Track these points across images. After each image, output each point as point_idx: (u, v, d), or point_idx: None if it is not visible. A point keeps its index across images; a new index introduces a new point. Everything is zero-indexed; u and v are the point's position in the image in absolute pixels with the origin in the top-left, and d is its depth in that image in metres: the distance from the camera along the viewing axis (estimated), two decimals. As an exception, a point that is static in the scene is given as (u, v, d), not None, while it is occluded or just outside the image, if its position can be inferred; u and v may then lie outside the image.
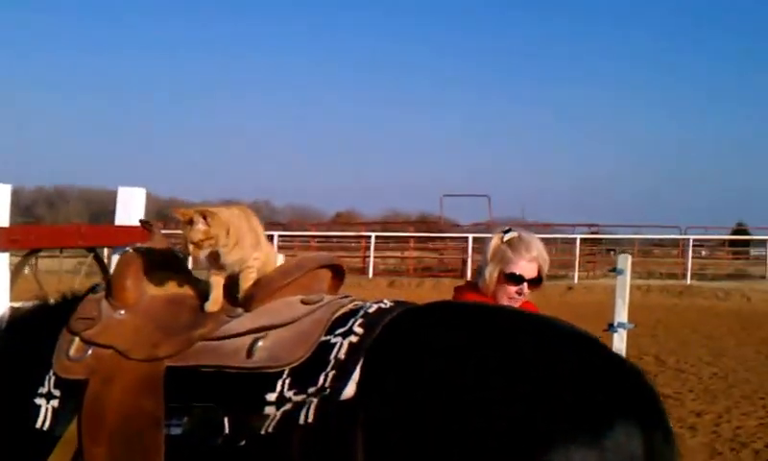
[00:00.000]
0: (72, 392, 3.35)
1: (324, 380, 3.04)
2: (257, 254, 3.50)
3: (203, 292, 3.57)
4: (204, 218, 3.38)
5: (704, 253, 47.29)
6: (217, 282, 3.49)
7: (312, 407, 3.02)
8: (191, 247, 3.41)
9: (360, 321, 3.20)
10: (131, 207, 5.94)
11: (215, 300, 3.46)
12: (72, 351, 3.44)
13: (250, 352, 3.20)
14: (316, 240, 43.99)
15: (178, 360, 3.30)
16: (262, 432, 3.05)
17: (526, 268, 5.14)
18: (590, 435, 2.75)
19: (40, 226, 5.77)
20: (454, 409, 2.85)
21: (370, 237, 37.89)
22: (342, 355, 3.09)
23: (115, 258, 5.79)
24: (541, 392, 2.83)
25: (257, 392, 3.11)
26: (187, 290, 3.63)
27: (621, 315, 10.70)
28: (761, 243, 48.98)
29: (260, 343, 3.21)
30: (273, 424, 3.05)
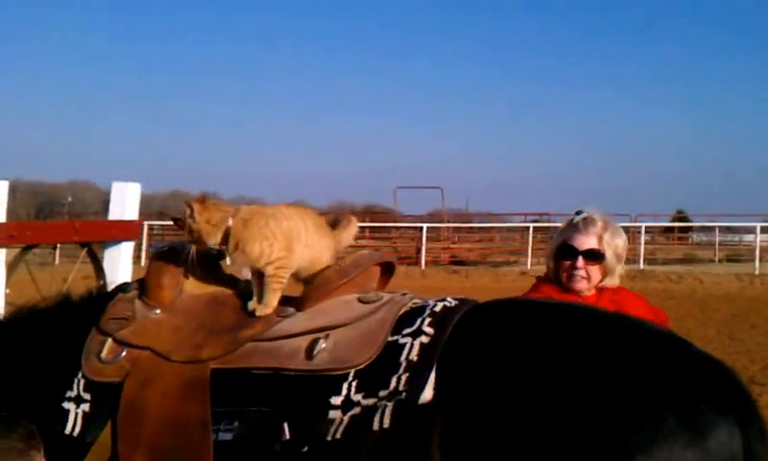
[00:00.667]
0: (104, 396, 3.13)
1: (398, 383, 2.84)
2: (281, 260, 3.26)
3: (243, 291, 3.37)
4: (192, 210, 3.23)
5: (646, 239, 48.02)
6: (274, 288, 3.26)
7: (387, 412, 2.81)
8: (186, 233, 3.28)
9: (429, 320, 3.00)
10: (125, 202, 5.74)
11: (269, 303, 3.24)
12: (104, 353, 3.22)
13: (310, 354, 2.99)
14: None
15: (224, 362, 3.09)
16: (328, 438, 2.85)
17: (581, 240, 4.71)
18: (693, 435, 2.59)
19: (36, 222, 5.61)
20: (542, 412, 2.67)
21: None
22: (414, 357, 2.89)
23: (109, 253, 5.63)
24: (635, 391, 2.65)
25: (320, 395, 2.90)
26: (228, 289, 3.41)
27: (594, 300, 10.63)
28: (702, 229, 51.22)
29: (322, 344, 3.00)
30: (341, 428, 2.84)
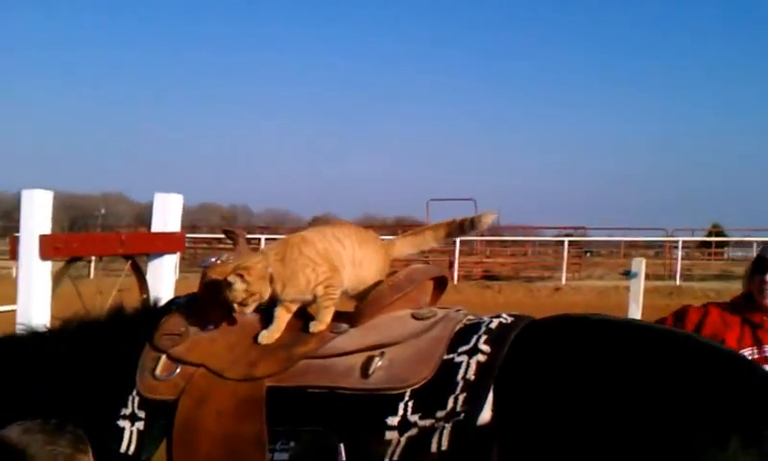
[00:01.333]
0: (159, 414, 3.11)
1: (455, 404, 2.78)
2: (329, 279, 3.20)
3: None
4: (241, 276, 3.11)
5: (682, 254, 47.49)
6: (326, 305, 3.21)
7: (446, 433, 2.75)
8: (236, 307, 3.16)
9: (485, 338, 2.94)
10: (167, 214, 5.70)
11: (323, 319, 3.19)
12: (158, 370, 3.19)
13: (365, 372, 2.94)
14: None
15: (279, 380, 3.03)
16: (385, 460, 2.80)
17: None
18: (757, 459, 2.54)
19: (81, 234, 5.60)
20: (604, 433, 2.62)
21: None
22: (471, 376, 2.83)
23: (153, 265, 5.60)
24: (700, 414, 2.60)
25: (377, 415, 2.85)
26: None
27: (635, 317, 10.58)
28: (738, 244, 49.92)
29: (377, 362, 2.95)
30: (398, 450, 2.79)
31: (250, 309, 3.17)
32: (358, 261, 3.27)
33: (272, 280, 3.17)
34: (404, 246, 3.49)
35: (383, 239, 3.48)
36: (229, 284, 3.11)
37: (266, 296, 3.16)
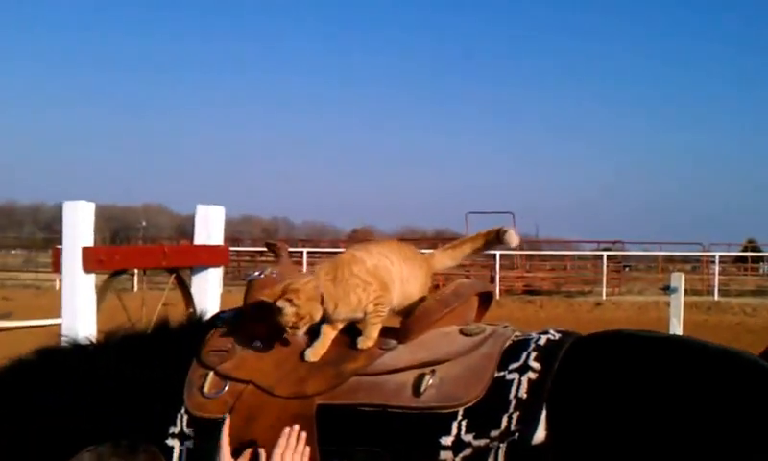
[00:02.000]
0: (208, 432, 3.05)
1: (509, 422, 2.74)
2: (379, 298, 3.14)
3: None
4: (290, 301, 3.05)
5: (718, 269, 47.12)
6: (374, 322, 3.16)
7: (501, 453, 2.71)
8: (289, 329, 3.10)
9: (534, 355, 2.89)
10: (210, 226, 5.69)
11: (371, 335, 3.14)
12: (206, 387, 3.16)
13: (417, 390, 2.89)
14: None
15: (329, 398, 3.00)
16: None
17: None
18: None
19: (125, 247, 5.60)
20: (658, 450, 2.58)
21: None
22: (523, 394, 2.79)
23: (197, 278, 5.59)
24: (749, 431, 2.57)
25: (430, 435, 2.81)
26: None
27: (676, 333, 10.54)
28: None
29: (428, 380, 2.90)
30: None
31: (301, 332, 3.12)
32: (405, 277, 3.23)
33: (323, 301, 3.11)
34: (444, 259, 3.46)
35: (423, 253, 3.44)
36: (279, 309, 3.06)
37: (317, 317, 3.11)
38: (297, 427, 2.96)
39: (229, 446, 2.97)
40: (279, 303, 3.06)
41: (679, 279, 11.24)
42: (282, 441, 2.93)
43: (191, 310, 5.14)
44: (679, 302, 11.01)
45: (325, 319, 3.15)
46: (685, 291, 11.82)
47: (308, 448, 2.94)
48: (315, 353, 3.13)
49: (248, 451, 2.99)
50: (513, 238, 3.38)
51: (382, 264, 3.21)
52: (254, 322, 3.29)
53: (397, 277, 3.21)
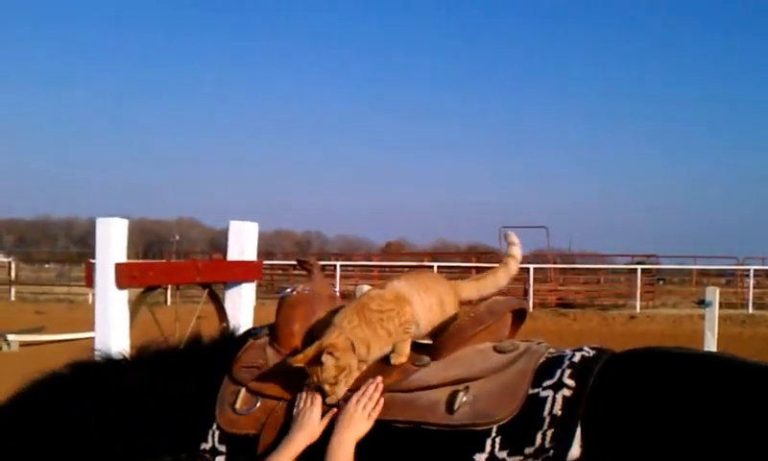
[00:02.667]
0: (240, 448, 3.06)
1: (543, 440, 2.72)
2: (402, 315, 3.10)
3: None
4: (331, 354, 3.00)
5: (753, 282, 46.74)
6: (403, 338, 3.13)
7: None
8: (328, 388, 3.02)
9: (569, 372, 2.87)
10: (243, 242, 5.68)
11: (402, 351, 3.12)
12: (238, 404, 3.16)
13: (451, 407, 2.88)
14: (378, 269, 43.35)
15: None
16: None
17: None
18: None
19: (158, 262, 5.60)
20: None
21: (432, 267, 37.31)
22: (558, 411, 2.77)
23: (230, 294, 5.58)
24: None
25: (464, 452, 2.79)
26: None
27: (711, 347, 10.63)
28: None
29: (462, 397, 2.88)
30: None
31: (341, 390, 3.05)
32: (427, 306, 3.20)
33: (354, 348, 3.08)
34: (470, 289, 3.45)
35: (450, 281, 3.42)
36: (321, 363, 3.00)
37: (354, 366, 3.06)
38: (378, 378, 3.03)
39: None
40: (323, 358, 2.99)
41: (713, 294, 11.24)
42: (362, 388, 3.00)
43: (224, 325, 5.15)
44: (713, 315, 11.00)
45: (363, 363, 3.11)
46: (720, 304, 11.78)
47: (383, 400, 2.98)
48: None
49: (332, 411, 3.02)
50: (513, 239, 3.47)
51: (397, 287, 3.20)
52: (287, 338, 3.30)
53: (419, 304, 3.18)
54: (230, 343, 3.46)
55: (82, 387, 3.36)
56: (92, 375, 3.44)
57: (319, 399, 3.03)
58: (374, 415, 2.96)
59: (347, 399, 3.03)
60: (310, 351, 3.03)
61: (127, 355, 3.59)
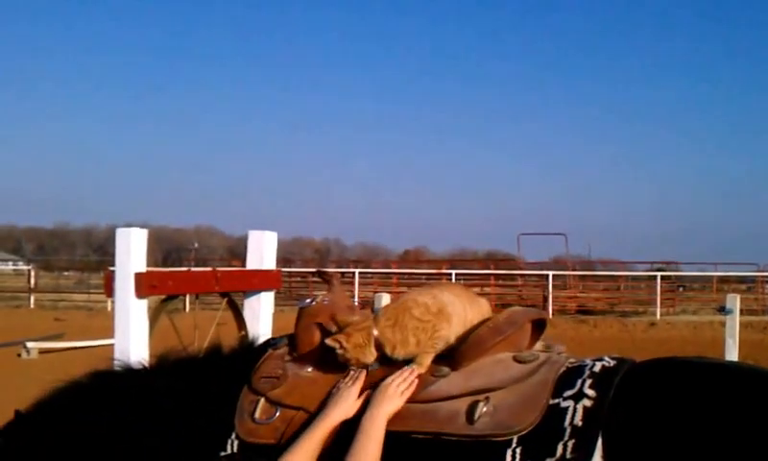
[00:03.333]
0: (259, 458, 3.04)
1: (564, 451, 2.69)
2: (438, 333, 3.10)
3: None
4: (339, 342, 3.08)
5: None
6: (427, 351, 3.12)
7: None
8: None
9: (589, 382, 2.85)
10: (262, 251, 5.68)
11: (423, 363, 3.10)
12: (258, 413, 3.15)
13: (471, 418, 2.85)
14: (397, 277, 43.18)
15: None
16: None
17: None
18: None
19: (178, 271, 5.58)
20: None
21: (450, 275, 37.36)
22: (579, 422, 2.74)
23: (249, 302, 5.58)
24: None
25: None
26: None
27: (732, 354, 10.54)
28: None
29: (482, 407, 2.86)
30: None
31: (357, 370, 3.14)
32: (469, 319, 3.20)
33: (378, 344, 3.10)
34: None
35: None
36: (333, 345, 3.08)
37: (368, 360, 3.10)
38: (414, 366, 3.05)
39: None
40: (328, 341, 3.08)
41: (734, 301, 11.14)
42: (398, 372, 3.04)
43: (243, 333, 5.15)
44: (734, 323, 10.91)
45: (383, 359, 3.13)
46: (741, 311, 11.71)
47: (416, 382, 3.01)
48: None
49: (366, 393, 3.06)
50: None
51: (445, 302, 3.18)
52: (305, 348, 3.29)
53: (461, 318, 3.17)
54: (250, 352, 3.46)
55: (102, 394, 3.37)
56: (112, 382, 3.45)
57: (359, 379, 3.08)
58: (407, 394, 2.97)
59: (382, 378, 3.06)
60: (342, 321, 3.12)
61: (146, 364, 3.59)
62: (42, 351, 20.76)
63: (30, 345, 20.65)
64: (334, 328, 3.13)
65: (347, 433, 2.94)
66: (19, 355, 20.30)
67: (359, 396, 3.04)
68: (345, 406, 3.01)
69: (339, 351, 3.08)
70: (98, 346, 19.66)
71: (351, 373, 3.12)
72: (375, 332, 3.10)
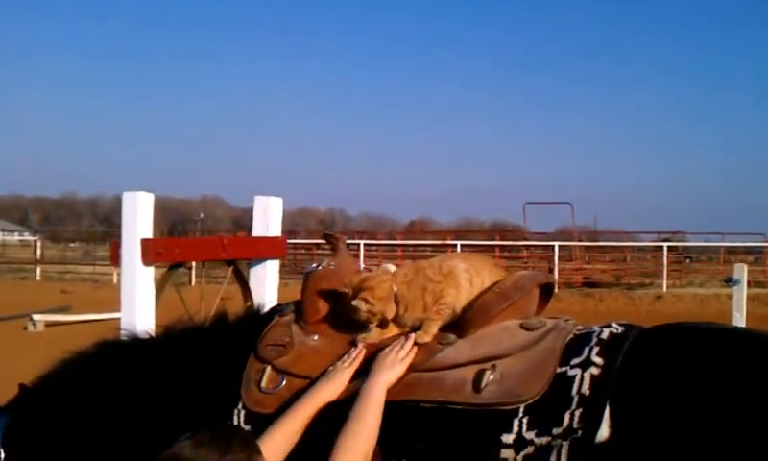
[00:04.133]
0: (265, 427, 2.97)
1: (571, 420, 2.67)
2: (445, 298, 3.08)
3: None
4: (365, 300, 3.04)
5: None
6: (434, 319, 3.10)
7: (563, 452, 2.64)
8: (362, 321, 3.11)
9: (597, 349, 2.82)
10: (268, 217, 5.64)
11: (429, 330, 3.08)
12: (264, 383, 3.13)
13: (477, 386, 2.83)
14: (402, 248, 43.02)
15: (388, 394, 2.92)
16: None
17: None
18: None
19: (184, 238, 5.54)
20: (728, 446, 2.49)
21: (455, 246, 37.08)
22: (586, 390, 2.71)
23: (255, 271, 5.55)
24: None
25: (491, 432, 2.74)
26: None
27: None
28: None
29: (489, 375, 2.83)
30: None
31: (372, 326, 3.11)
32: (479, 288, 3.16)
33: (396, 301, 3.10)
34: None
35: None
36: (354, 308, 3.05)
37: (390, 315, 3.09)
38: (412, 336, 3.05)
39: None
40: (355, 303, 3.05)
41: (741, 271, 11.04)
42: (396, 340, 3.06)
43: (249, 303, 5.12)
44: (741, 294, 10.82)
45: (395, 320, 3.12)
46: (748, 283, 11.61)
47: (415, 349, 3.01)
48: (363, 338, 3.13)
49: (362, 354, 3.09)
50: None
51: (455, 267, 3.16)
52: (312, 315, 3.27)
53: (471, 286, 3.14)
54: (256, 320, 3.44)
55: (110, 363, 3.37)
56: (120, 351, 3.44)
57: (357, 358, 3.06)
58: (407, 361, 2.96)
59: (381, 347, 3.05)
60: (356, 284, 3.08)
61: (153, 333, 3.57)
62: (49, 324, 20.73)
63: (36, 317, 20.59)
64: (349, 291, 3.10)
65: (344, 407, 2.91)
66: (25, 328, 20.26)
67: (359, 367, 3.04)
68: (335, 386, 2.99)
69: (364, 310, 3.05)
70: (104, 319, 19.66)
71: (352, 349, 3.10)
72: (395, 288, 3.10)
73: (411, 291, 3.10)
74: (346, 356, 3.07)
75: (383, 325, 3.14)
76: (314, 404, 2.95)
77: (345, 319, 3.19)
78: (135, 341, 3.51)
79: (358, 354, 3.07)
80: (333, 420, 2.86)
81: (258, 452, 2.66)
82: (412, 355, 2.97)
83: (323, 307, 3.26)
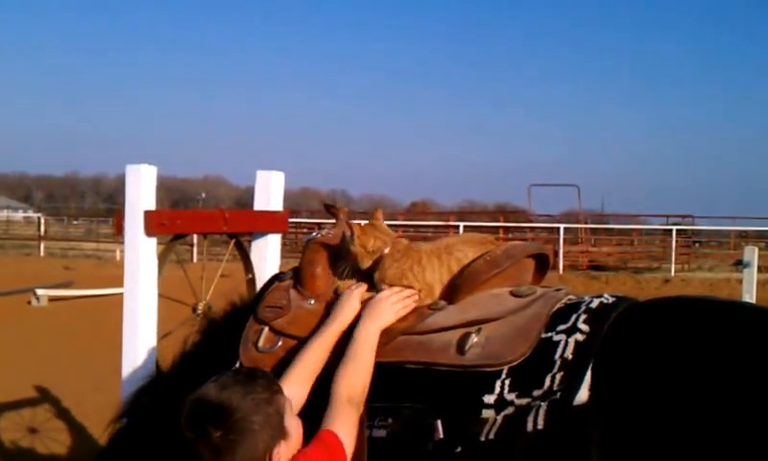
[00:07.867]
0: None
1: (552, 383, 2.71)
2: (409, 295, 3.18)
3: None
4: (352, 232, 3.25)
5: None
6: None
7: (541, 413, 2.67)
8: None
9: (584, 317, 2.87)
10: (269, 192, 5.64)
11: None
12: (261, 342, 3.27)
13: (461, 348, 2.91)
14: (403, 229, 42.57)
15: (377, 355, 3.02)
16: (482, 439, 2.73)
17: None
18: None
19: (186, 210, 5.57)
20: (707, 417, 2.48)
21: (458, 227, 37.06)
22: (569, 355, 2.76)
23: (257, 245, 5.54)
24: None
25: (473, 393, 2.81)
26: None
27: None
28: None
29: (473, 338, 2.90)
30: (494, 429, 2.73)
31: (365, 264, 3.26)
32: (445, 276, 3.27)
33: (377, 261, 3.23)
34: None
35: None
36: (345, 232, 3.30)
37: (362, 266, 3.27)
38: (407, 290, 3.17)
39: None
40: (356, 229, 3.26)
41: (752, 253, 10.88)
42: (396, 289, 3.17)
43: (250, 277, 5.15)
44: (752, 277, 10.65)
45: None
46: (759, 268, 11.50)
47: (413, 305, 3.14)
48: (344, 284, 3.31)
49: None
50: None
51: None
52: (310, 281, 3.37)
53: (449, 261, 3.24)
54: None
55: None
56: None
57: (355, 295, 3.20)
58: (401, 313, 3.10)
59: (377, 292, 3.17)
60: (359, 226, 3.28)
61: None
62: (52, 299, 20.81)
63: (40, 292, 20.66)
64: (354, 233, 3.26)
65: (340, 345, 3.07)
66: (29, 303, 20.34)
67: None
68: (349, 309, 3.17)
69: (346, 240, 3.27)
70: (107, 294, 19.74)
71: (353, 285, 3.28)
72: (386, 251, 3.23)
73: (393, 269, 3.22)
74: (353, 286, 3.25)
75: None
76: (333, 332, 3.11)
77: (339, 285, 3.33)
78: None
79: (359, 285, 3.25)
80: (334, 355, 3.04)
81: (280, 392, 2.75)
82: (408, 309, 3.11)
83: (318, 273, 3.37)
